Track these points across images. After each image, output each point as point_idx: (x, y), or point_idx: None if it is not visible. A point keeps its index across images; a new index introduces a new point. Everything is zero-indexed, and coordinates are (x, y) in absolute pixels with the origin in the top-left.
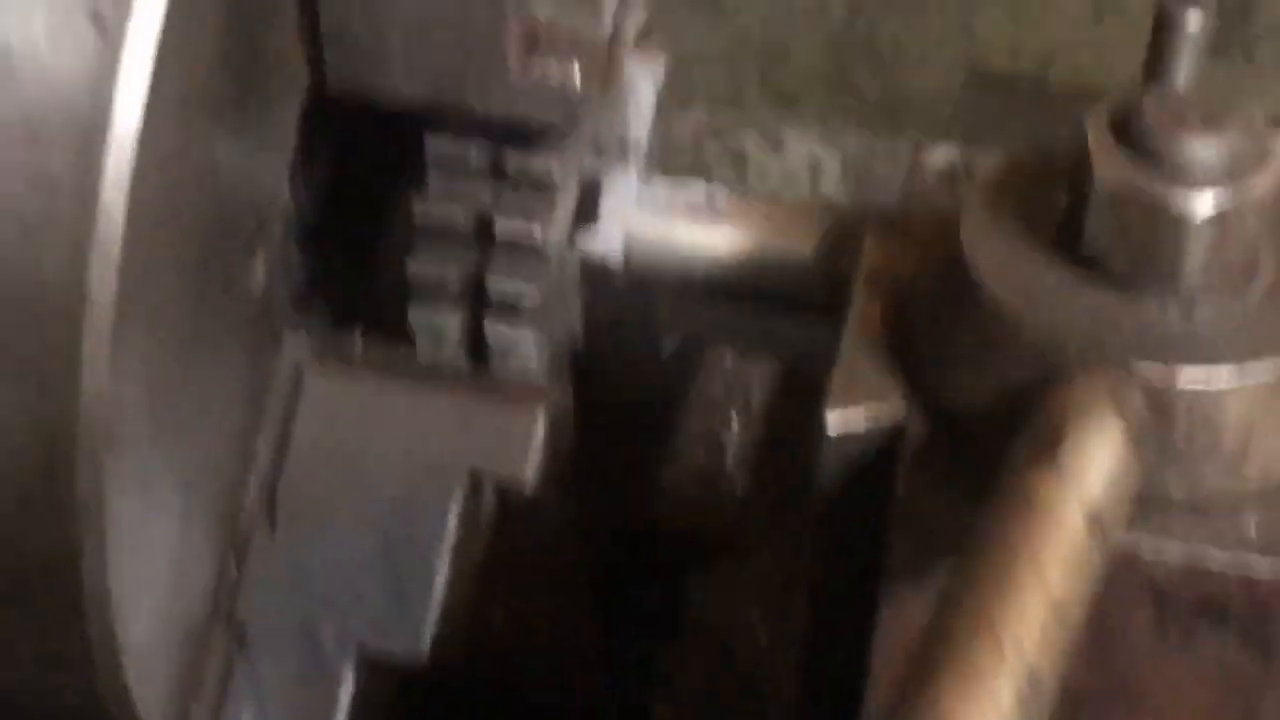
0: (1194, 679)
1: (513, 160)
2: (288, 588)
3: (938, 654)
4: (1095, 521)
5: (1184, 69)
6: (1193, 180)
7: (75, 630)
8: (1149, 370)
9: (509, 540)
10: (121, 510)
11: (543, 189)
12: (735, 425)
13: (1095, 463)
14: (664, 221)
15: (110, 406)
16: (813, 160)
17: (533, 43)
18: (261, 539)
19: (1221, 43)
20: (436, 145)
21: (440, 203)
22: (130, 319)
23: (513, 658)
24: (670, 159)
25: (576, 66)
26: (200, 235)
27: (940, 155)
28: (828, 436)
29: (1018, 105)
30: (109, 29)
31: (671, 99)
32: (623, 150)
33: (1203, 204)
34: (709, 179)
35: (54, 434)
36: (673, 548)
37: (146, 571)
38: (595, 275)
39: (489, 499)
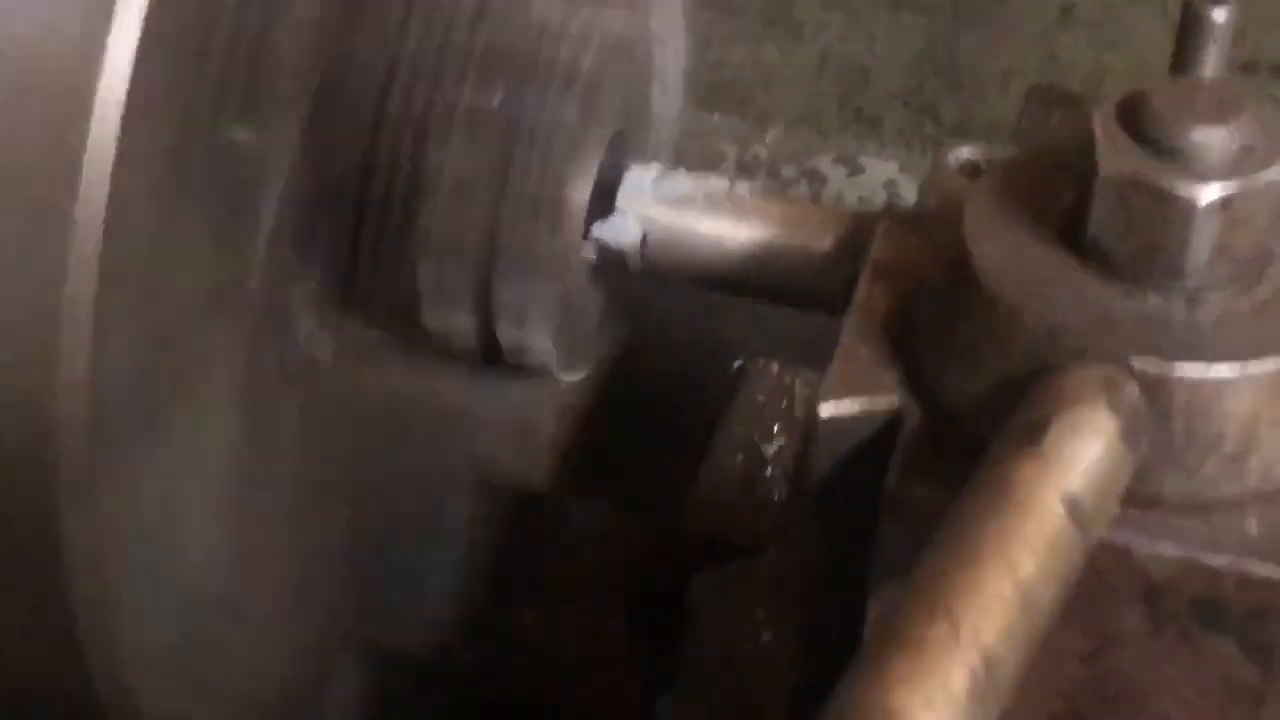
0: (1192, 684)
1: (519, 165)
2: (292, 570)
3: (889, 636)
4: (1074, 511)
5: (1209, 65)
6: (1200, 170)
7: (65, 621)
8: (1147, 363)
9: (538, 545)
10: (111, 496)
11: (552, 195)
12: (776, 434)
13: (1080, 452)
14: (681, 214)
15: (97, 385)
16: (890, 183)
17: (547, 35)
18: (266, 525)
19: None
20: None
21: (447, 213)
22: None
23: (545, 664)
24: (747, 178)
25: (589, 56)
26: (208, 218)
27: (962, 152)
28: (821, 425)
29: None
30: None
31: (750, 119)
32: (644, 141)
33: (1209, 193)
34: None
35: (39, 416)
36: (707, 555)
37: (140, 559)
38: (612, 267)
39: (508, 499)
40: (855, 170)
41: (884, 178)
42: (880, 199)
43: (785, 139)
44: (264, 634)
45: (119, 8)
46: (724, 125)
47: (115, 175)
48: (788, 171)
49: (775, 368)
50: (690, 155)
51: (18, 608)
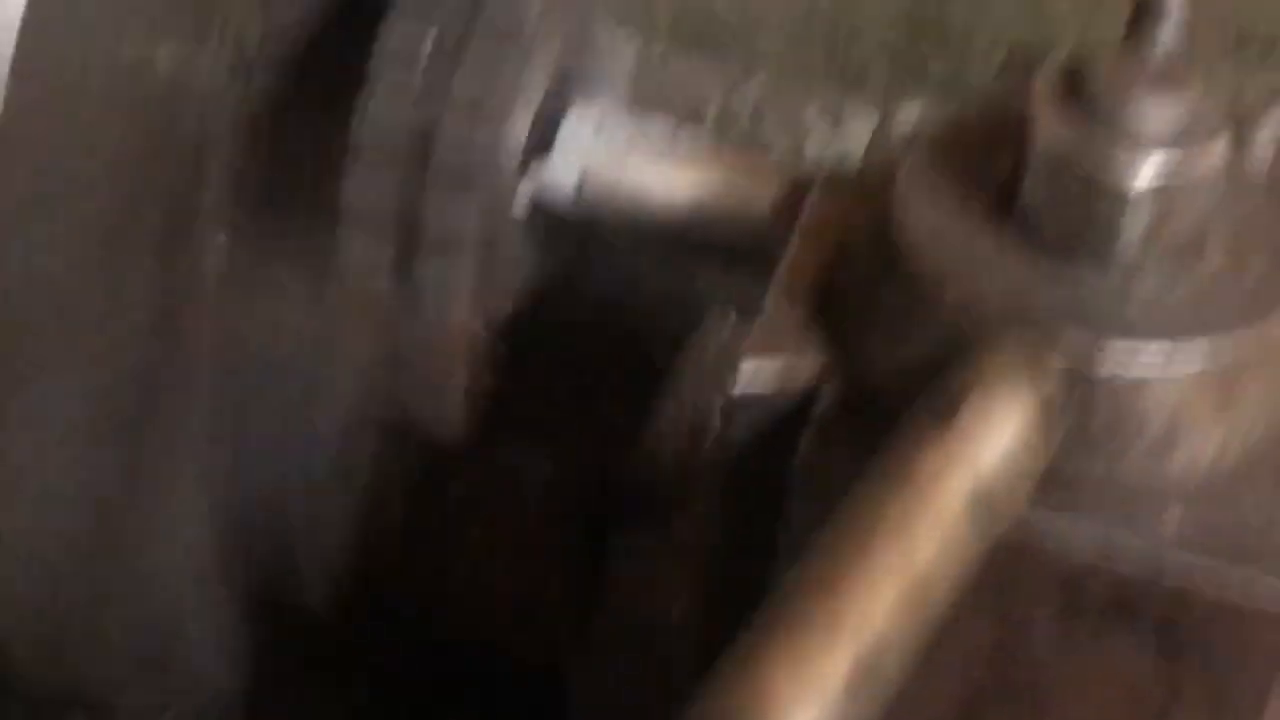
0: (1101, 684)
1: (461, 80)
2: (183, 520)
3: (772, 617)
4: (981, 500)
5: (1168, 36)
6: (1139, 144)
7: None
8: (1071, 343)
9: (477, 500)
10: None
11: (492, 113)
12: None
13: (992, 437)
14: (621, 159)
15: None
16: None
17: None
18: (165, 459)
19: None
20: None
21: (380, 123)
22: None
23: (479, 615)
24: (728, 127)
25: None
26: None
27: (910, 112)
28: (734, 392)
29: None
30: None
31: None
32: (590, 82)
33: (1146, 170)
34: (767, 147)
35: None
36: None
37: (29, 477)
38: (546, 208)
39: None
40: (838, 122)
41: (866, 130)
42: (862, 150)
43: (770, 89)
44: (144, 584)
45: None
46: (706, 70)
47: None
48: (771, 119)
49: (733, 316)
50: (671, 100)
51: None
